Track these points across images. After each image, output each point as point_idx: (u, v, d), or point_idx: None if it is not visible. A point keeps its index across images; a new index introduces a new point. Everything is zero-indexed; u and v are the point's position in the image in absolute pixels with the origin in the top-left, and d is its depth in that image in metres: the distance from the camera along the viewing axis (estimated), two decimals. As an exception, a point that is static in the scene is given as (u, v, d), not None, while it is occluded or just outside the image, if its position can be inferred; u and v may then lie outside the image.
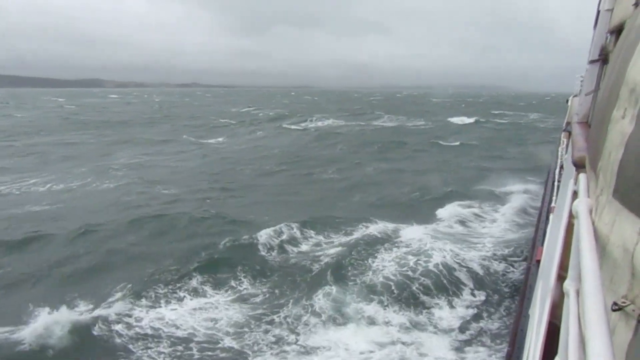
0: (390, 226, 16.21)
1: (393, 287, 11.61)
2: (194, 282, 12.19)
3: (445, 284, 11.87)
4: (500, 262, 13.33)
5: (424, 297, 11.34)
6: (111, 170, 27.80)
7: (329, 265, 13.01)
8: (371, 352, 9.09)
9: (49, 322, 10.03)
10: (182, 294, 11.66)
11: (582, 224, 1.82)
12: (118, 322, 10.33)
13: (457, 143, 40.48)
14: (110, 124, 59.46)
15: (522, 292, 7.87)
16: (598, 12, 5.58)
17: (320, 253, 14.16)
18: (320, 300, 11.12)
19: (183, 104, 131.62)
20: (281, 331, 9.95)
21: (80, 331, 9.95)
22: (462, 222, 17.29)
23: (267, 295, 11.67)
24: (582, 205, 1.97)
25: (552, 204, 8.53)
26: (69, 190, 23.26)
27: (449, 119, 65.01)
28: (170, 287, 11.97)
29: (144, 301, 11.26)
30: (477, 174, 26.51)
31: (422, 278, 12.03)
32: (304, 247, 14.82)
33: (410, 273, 12.27)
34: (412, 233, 15.62)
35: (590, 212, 1.98)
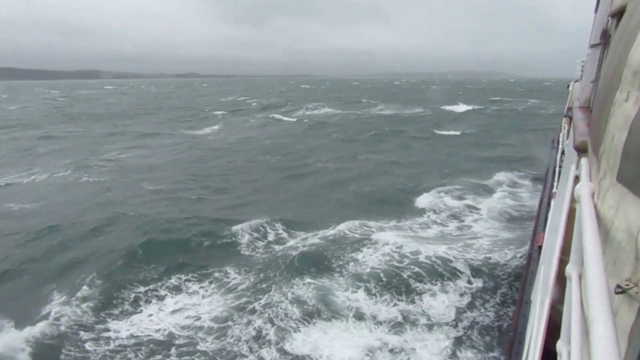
0: (374, 222, 15.63)
1: (382, 276, 11.41)
2: (173, 281, 11.76)
3: (439, 275, 11.76)
4: (496, 253, 13.00)
5: (415, 285, 11.28)
6: (94, 165, 26.92)
7: (310, 259, 12.57)
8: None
9: (11, 338, 9.04)
10: (162, 293, 11.25)
11: (584, 208, 1.81)
12: (90, 330, 9.76)
13: (454, 132, 39.48)
14: (101, 117, 58.49)
15: (523, 278, 7.90)
16: None
17: (302, 248, 13.54)
18: (303, 295, 10.80)
19: (178, 94, 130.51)
20: (264, 330, 9.60)
21: (50, 340, 9.31)
22: (454, 216, 16.71)
23: (249, 292, 11.20)
24: (584, 189, 1.96)
25: (554, 190, 8.53)
26: (47, 185, 22.55)
27: (447, 107, 64.41)
28: (148, 287, 11.49)
29: (116, 309, 10.64)
30: (472, 164, 25.71)
31: (413, 267, 11.93)
32: (287, 243, 14.22)
33: (397, 264, 12.07)
34: (399, 228, 15.27)
35: (593, 196, 1.97)
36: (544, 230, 8.06)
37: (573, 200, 2.24)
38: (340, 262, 12.40)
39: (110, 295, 11.10)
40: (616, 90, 2.00)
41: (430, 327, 9.68)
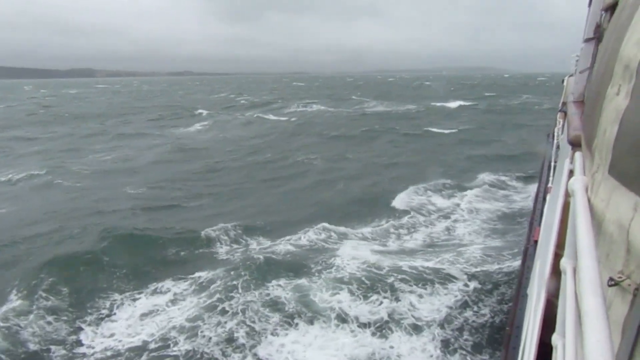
0: (355, 225, 15.29)
1: (364, 279, 11.14)
2: (141, 287, 11.42)
3: (424, 278, 11.53)
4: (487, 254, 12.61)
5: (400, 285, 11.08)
6: (72, 167, 25.81)
7: (289, 263, 12.36)
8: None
9: None
10: (131, 300, 10.91)
11: (578, 202, 1.83)
12: (59, 341, 9.29)
13: (445, 130, 38.44)
14: (86, 116, 56.99)
15: (520, 272, 7.94)
16: None
17: (280, 252, 13.25)
18: (282, 297, 10.59)
19: (169, 92, 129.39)
20: (237, 334, 9.34)
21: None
22: (444, 217, 16.24)
23: (223, 297, 10.81)
24: (577, 183, 1.98)
25: (549, 185, 8.57)
26: (18, 189, 21.58)
27: (439, 104, 64.02)
28: (117, 294, 11.14)
29: (85, 317, 10.20)
30: (461, 163, 25.06)
31: (395, 268, 11.80)
32: (264, 247, 13.73)
33: (377, 269, 11.78)
34: (384, 229, 15.01)
35: (586, 189, 1.99)
36: (539, 225, 8.10)
37: (567, 195, 2.26)
38: (319, 267, 12.04)
39: (76, 303, 10.69)
40: (608, 84, 2.01)
41: (426, 322, 9.70)
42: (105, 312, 10.44)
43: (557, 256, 2.52)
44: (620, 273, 1.48)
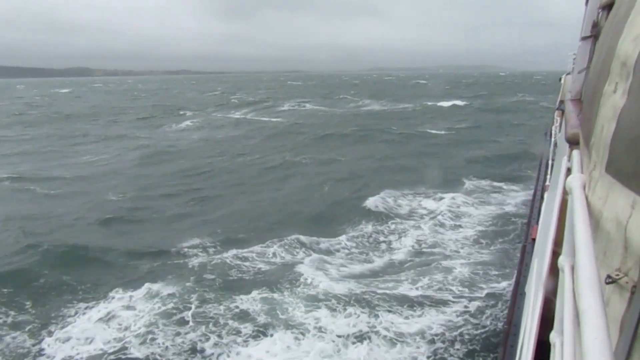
0: (332, 236, 14.56)
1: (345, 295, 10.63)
2: (104, 297, 11.04)
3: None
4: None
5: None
6: (44, 173, 24.38)
7: (261, 276, 11.97)
8: None
9: None
10: (91, 310, 10.53)
11: (575, 200, 1.83)
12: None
13: (436, 131, 37.32)
14: (71, 118, 55.47)
15: (517, 270, 7.96)
16: None
17: (248, 263, 12.79)
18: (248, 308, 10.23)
19: (163, 91, 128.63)
20: (202, 346, 9.11)
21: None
22: (434, 223, 15.60)
23: (188, 309, 10.41)
24: (575, 181, 1.98)
25: (547, 182, 8.59)
26: None
27: (433, 103, 63.51)
28: (78, 304, 10.80)
29: (46, 327, 9.91)
30: (454, 164, 24.17)
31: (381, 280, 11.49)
32: (233, 259, 13.05)
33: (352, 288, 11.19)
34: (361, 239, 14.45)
35: (584, 187, 1.99)
36: (537, 223, 8.12)
37: (565, 192, 2.26)
38: (288, 282, 11.54)
39: (38, 314, 10.38)
40: (605, 82, 2.01)
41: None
42: (60, 323, 10.08)
43: (555, 254, 2.52)
44: (617, 270, 1.48)
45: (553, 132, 12.93)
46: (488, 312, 9.87)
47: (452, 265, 12.30)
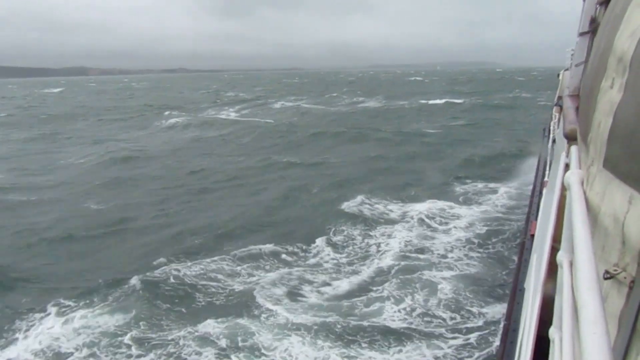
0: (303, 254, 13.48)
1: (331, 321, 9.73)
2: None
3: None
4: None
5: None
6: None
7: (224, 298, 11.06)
8: None
9: None
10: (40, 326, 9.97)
11: (573, 195, 1.83)
12: None
13: (429, 130, 36.04)
14: (54, 119, 53.88)
15: (517, 266, 7.99)
16: None
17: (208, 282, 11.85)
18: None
19: (156, 90, 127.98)
20: None
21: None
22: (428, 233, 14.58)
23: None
24: (573, 177, 1.98)
25: (545, 179, 8.61)
26: None
27: (427, 101, 62.83)
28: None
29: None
30: (443, 169, 22.78)
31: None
32: (188, 275, 12.16)
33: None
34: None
35: (582, 183, 1.99)
36: (536, 219, 8.14)
37: (563, 188, 2.26)
38: (254, 302, 10.77)
39: None
40: (602, 78, 2.02)
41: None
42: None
43: (554, 250, 2.53)
44: (615, 266, 1.48)
45: (551, 128, 12.95)
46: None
47: (438, 280, 11.35)
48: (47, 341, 9.50)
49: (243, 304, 10.63)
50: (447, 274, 11.76)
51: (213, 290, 11.49)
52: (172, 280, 11.92)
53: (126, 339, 9.44)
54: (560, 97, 12.63)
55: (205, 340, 9.28)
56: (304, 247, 13.84)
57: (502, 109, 51.50)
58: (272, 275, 12.05)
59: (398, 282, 11.33)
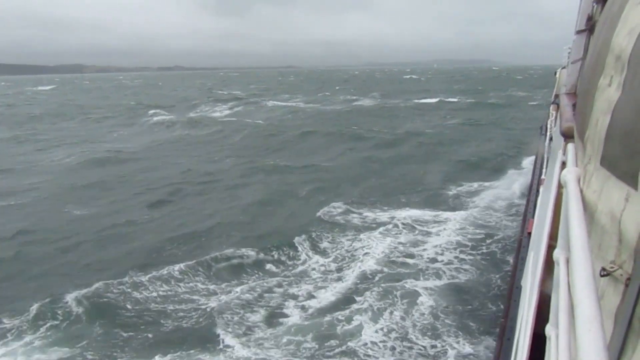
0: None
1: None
2: None
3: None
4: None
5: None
6: None
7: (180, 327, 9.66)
8: None
9: None
10: None
11: (570, 193, 1.84)
12: None
13: (420, 130, 34.40)
14: (38, 118, 51.19)
15: (514, 264, 8.02)
16: None
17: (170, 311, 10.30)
18: None
19: (150, 87, 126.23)
20: None
21: None
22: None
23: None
24: (570, 175, 1.99)
25: (542, 176, 8.63)
26: None
27: (424, 100, 62.09)
28: None
29: None
30: (431, 176, 21.11)
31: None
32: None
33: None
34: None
35: (579, 181, 2.00)
36: (533, 217, 8.16)
37: (560, 186, 2.27)
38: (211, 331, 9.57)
39: None
40: (600, 76, 2.02)
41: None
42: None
43: (551, 247, 2.53)
44: (612, 263, 1.49)
45: (548, 126, 12.99)
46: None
47: (421, 291, 10.50)
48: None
49: (207, 330, 9.45)
50: (433, 283, 10.89)
51: (175, 312, 10.13)
52: (124, 301, 10.57)
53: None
54: (557, 95, 12.67)
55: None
56: (286, 254, 12.91)
57: (496, 107, 51.19)
58: (244, 289, 10.98)
59: (381, 291, 10.48)
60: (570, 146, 2.79)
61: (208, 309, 10.18)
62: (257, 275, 11.86)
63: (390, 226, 14.63)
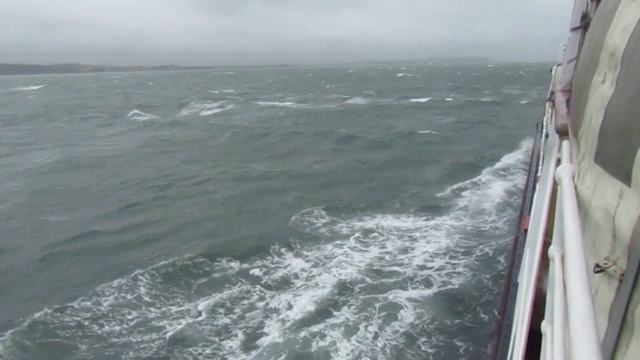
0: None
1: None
2: None
3: None
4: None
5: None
6: None
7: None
8: None
9: None
10: None
11: (564, 190, 1.84)
12: None
13: (420, 130, 33.06)
14: (12, 121, 48.28)
15: (510, 261, 8.05)
16: None
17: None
18: None
19: (139, 87, 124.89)
20: None
21: None
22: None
23: None
24: (564, 171, 2.00)
25: (538, 173, 8.67)
26: None
27: (418, 99, 61.29)
28: None
29: None
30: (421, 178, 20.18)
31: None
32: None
33: None
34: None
35: (573, 177, 2.01)
36: (529, 214, 8.19)
37: (556, 183, 2.28)
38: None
39: None
40: (594, 73, 2.03)
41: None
42: None
43: (546, 244, 2.55)
44: (606, 259, 1.50)
45: (544, 123, 13.03)
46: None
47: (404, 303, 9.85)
48: None
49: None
50: (418, 293, 10.30)
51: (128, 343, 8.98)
52: (71, 329, 9.40)
53: None
54: (552, 93, 12.70)
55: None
56: (262, 263, 12.10)
57: (490, 106, 50.94)
58: (210, 303, 10.20)
59: (360, 305, 9.82)
60: (565, 143, 2.80)
61: (177, 323, 9.50)
62: (227, 287, 10.98)
63: (375, 234, 13.81)
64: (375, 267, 11.65)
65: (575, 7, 5.63)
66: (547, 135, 10.40)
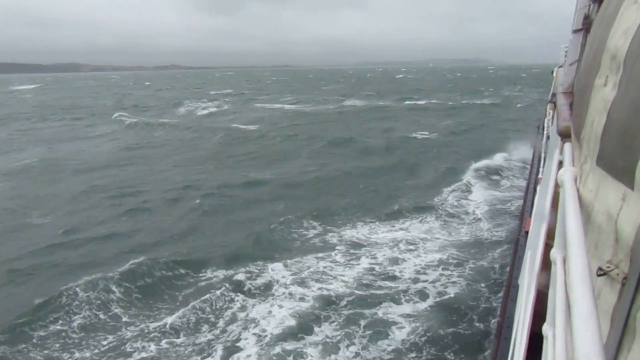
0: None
1: None
2: None
3: None
4: None
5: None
6: None
7: None
8: None
9: None
10: None
11: (567, 192, 1.84)
12: None
13: (416, 135, 32.38)
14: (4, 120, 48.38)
15: (511, 263, 8.05)
16: None
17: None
18: None
19: (139, 87, 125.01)
20: None
21: None
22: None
23: None
24: (567, 174, 1.99)
25: (539, 176, 8.67)
26: None
27: (416, 102, 60.76)
28: None
29: None
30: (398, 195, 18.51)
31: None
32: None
33: None
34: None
35: (575, 180, 2.00)
36: (530, 216, 8.19)
37: (557, 185, 2.28)
38: None
39: None
40: (596, 75, 2.03)
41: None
42: None
43: (548, 247, 2.54)
44: (609, 263, 1.49)
45: (545, 125, 13.03)
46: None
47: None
48: None
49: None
50: (407, 309, 9.89)
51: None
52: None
53: None
54: (554, 94, 12.71)
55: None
56: (246, 275, 11.50)
57: (489, 108, 50.78)
58: (179, 314, 9.80)
59: (343, 322, 9.42)
60: (567, 145, 2.79)
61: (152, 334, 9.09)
62: (207, 296, 10.48)
63: (368, 244, 13.35)
64: (365, 280, 11.20)
65: (577, 9, 5.64)
66: (548, 137, 10.40)
